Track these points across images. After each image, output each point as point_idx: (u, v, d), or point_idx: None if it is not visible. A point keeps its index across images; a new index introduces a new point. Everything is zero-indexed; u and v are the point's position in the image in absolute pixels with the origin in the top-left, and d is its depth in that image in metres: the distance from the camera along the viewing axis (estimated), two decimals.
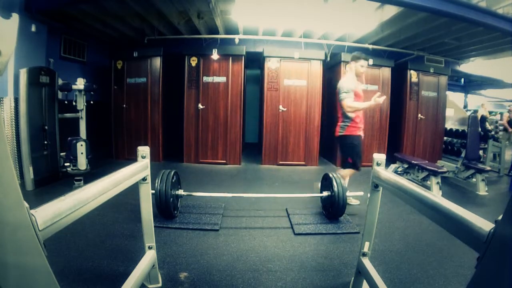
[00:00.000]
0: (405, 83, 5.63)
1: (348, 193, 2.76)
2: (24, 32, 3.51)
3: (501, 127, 5.78)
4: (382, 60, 5.50)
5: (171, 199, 2.57)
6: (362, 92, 3.09)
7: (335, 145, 5.40)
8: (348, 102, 2.90)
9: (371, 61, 5.33)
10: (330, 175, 2.79)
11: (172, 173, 2.65)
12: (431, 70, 5.73)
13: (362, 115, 3.07)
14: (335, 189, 2.66)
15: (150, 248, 1.68)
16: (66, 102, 4.32)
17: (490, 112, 9.07)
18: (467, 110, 9.59)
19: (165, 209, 2.57)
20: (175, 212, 2.71)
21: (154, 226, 1.71)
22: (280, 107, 5.23)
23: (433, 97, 5.79)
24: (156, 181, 2.53)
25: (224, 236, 2.41)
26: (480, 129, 5.18)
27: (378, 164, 1.54)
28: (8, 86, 3.35)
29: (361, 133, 3.04)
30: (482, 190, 3.97)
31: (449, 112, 7.10)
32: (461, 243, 0.85)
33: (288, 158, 5.33)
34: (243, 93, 5.24)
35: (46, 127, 3.64)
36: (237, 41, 5.28)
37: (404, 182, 1.28)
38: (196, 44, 5.46)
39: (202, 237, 2.37)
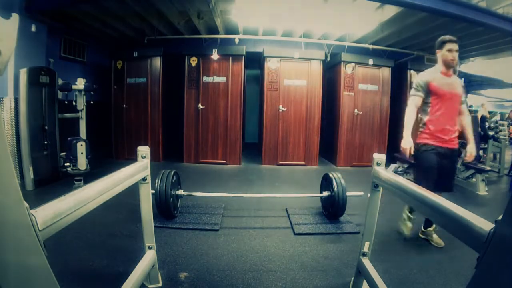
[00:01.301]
0: (405, 83, 5.61)
1: (348, 193, 2.75)
2: (24, 32, 3.51)
3: (501, 127, 5.76)
4: (382, 60, 5.50)
5: (171, 199, 2.57)
6: (454, 86, 2.20)
7: (335, 145, 5.46)
8: (410, 102, 2.24)
9: (371, 61, 5.34)
10: (330, 175, 2.79)
11: (172, 173, 2.66)
12: None
13: (444, 118, 2.17)
14: (335, 189, 2.66)
15: (150, 248, 1.68)
16: (66, 102, 4.31)
17: (490, 112, 9.05)
18: (470, 110, 9.56)
19: (165, 209, 2.57)
20: (175, 212, 2.71)
21: (154, 226, 1.71)
22: (280, 107, 5.23)
23: None
24: (156, 181, 2.53)
25: (224, 236, 2.41)
26: (480, 129, 5.18)
27: (378, 164, 1.54)
28: (8, 86, 3.35)
29: (433, 142, 2.18)
30: (482, 190, 3.97)
31: None
32: (461, 243, 0.85)
33: (288, 158, 5.33)
34: (243, 93, 5.24)
35: (46, 127, 3.63)
36: (237, 41, 5.27)
37: (404, 182, 1.28)
38: (196, 44, 5.45)
39: (202, 237, 2.37)
